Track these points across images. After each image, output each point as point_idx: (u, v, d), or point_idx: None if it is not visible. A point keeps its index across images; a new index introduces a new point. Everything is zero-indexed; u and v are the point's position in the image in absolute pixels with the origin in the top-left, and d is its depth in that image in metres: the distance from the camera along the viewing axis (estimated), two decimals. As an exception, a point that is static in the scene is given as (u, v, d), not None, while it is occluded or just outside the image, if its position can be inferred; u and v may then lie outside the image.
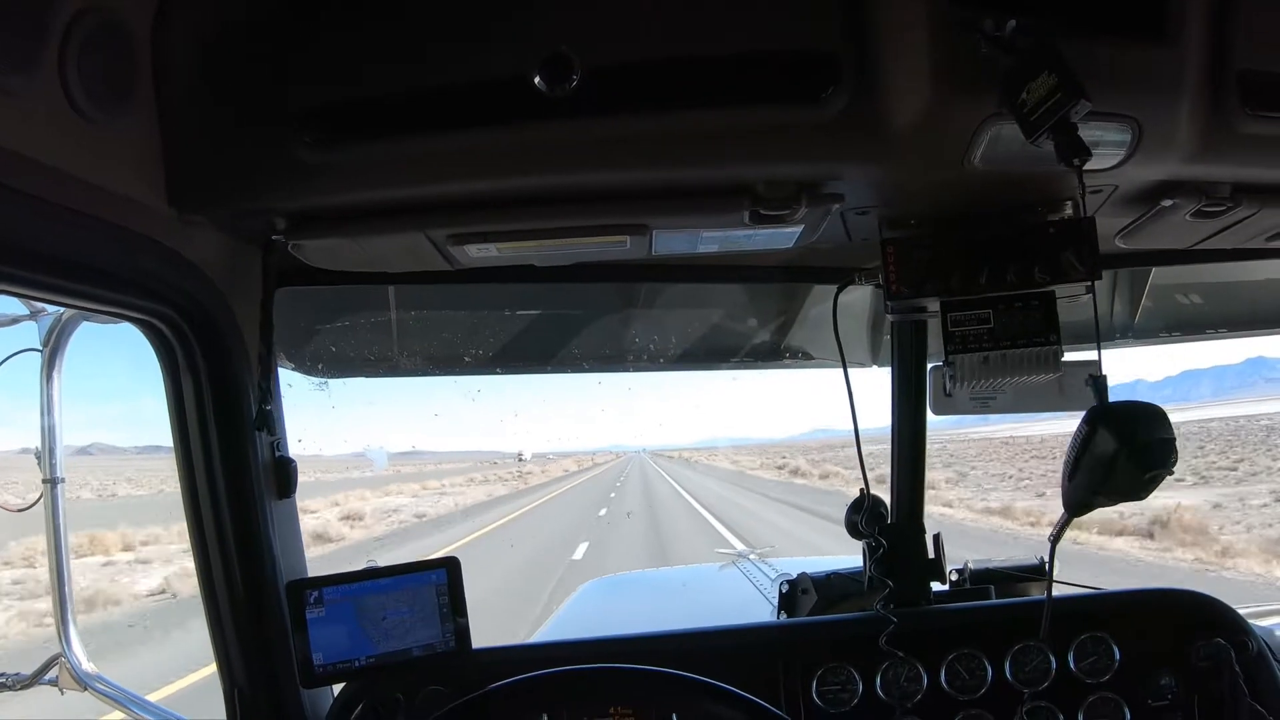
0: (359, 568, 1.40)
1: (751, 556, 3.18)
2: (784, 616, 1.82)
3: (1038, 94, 0.95)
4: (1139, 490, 1.07)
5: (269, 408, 1.32)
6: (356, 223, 1.20)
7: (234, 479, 1.33)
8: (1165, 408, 1.08)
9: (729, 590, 2.85)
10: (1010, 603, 1.70)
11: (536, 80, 1.00)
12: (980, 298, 1.28)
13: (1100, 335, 1.17)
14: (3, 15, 0.83)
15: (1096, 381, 1.13)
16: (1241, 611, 1.55)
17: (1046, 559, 1.74)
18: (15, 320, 1.54)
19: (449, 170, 1.10)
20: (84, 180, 0.98)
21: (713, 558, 3.78)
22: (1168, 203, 1.23)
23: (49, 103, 0.90)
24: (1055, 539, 1.18)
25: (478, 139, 1.07)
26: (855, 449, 1.62)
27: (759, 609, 2.36)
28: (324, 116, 1.07)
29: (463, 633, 1.40)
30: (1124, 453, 1.04)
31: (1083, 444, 1.07)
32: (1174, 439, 1.06)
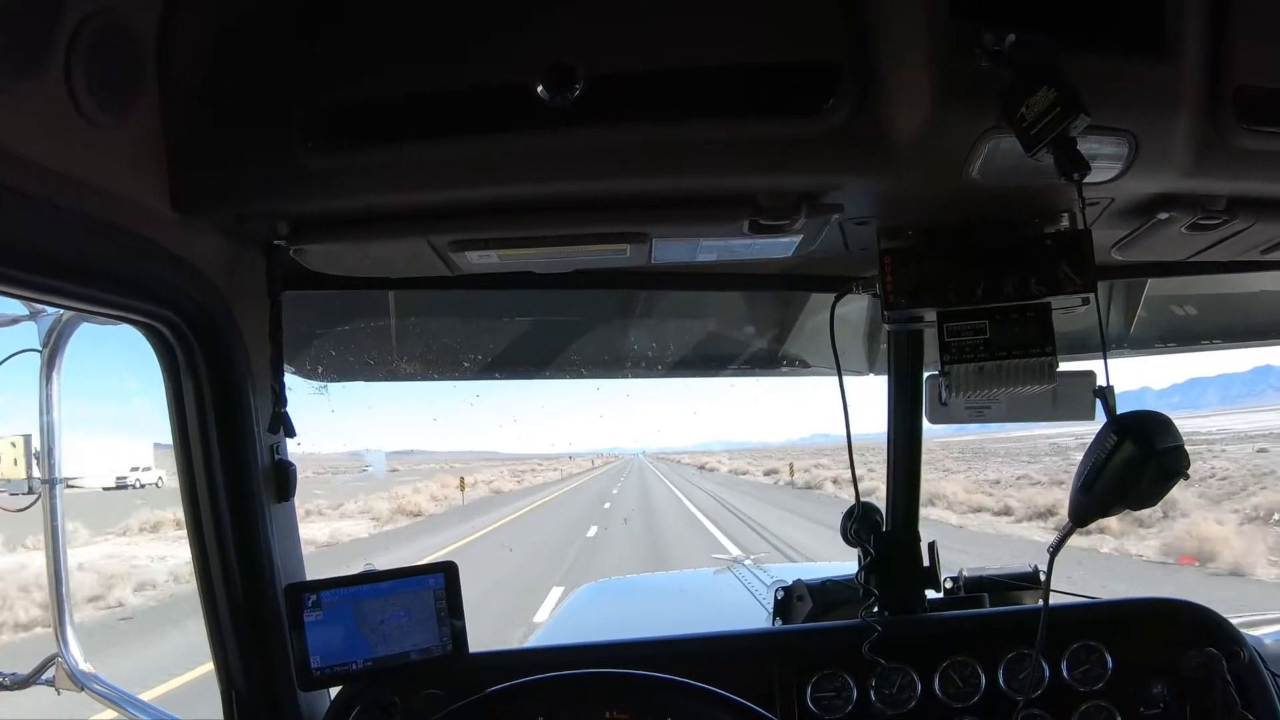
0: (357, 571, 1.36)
1: (747, 562, 3.19)
2: (779, 623, 1.83)
3: (1037, 109, 0.96)
4: (1158, 497, 1.08)
5: (282, 411, 1.32)
6: (359, 228, 1.21)
7: (234, 482, 1.33)
8: (1174, 415, 1.10)
9: (724, 596, 2.86)
10: (1003, 611, 1.71)
11: (539, 89, 1.01)
12: (976, 308, 1.28)
13: (1096, 346, 1.18)
14: (11, 21, 0.84)
15: (1103, 394, 1.14)
16: (1234, 621, 1.56)
17: (1041, 568, 1.77)
18: (15, 320, 1.55)
19: (451, 177, 1.11)
20: (88, 183, 0.98)
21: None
22: (1164, 215, 1.24)
23: (54, 106, 0.90)
24: (1055, 550, 1.19)
25: (480, 146, 1.08)
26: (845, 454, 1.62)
27: (754, 615, 2.36)
28: (328, 121, 1.08)
29: (459, 637, 1.40)
30: (1151, 462, 1.06)
31: (1108, 455, 1.08)
32: (1184, 445, 1.08)
